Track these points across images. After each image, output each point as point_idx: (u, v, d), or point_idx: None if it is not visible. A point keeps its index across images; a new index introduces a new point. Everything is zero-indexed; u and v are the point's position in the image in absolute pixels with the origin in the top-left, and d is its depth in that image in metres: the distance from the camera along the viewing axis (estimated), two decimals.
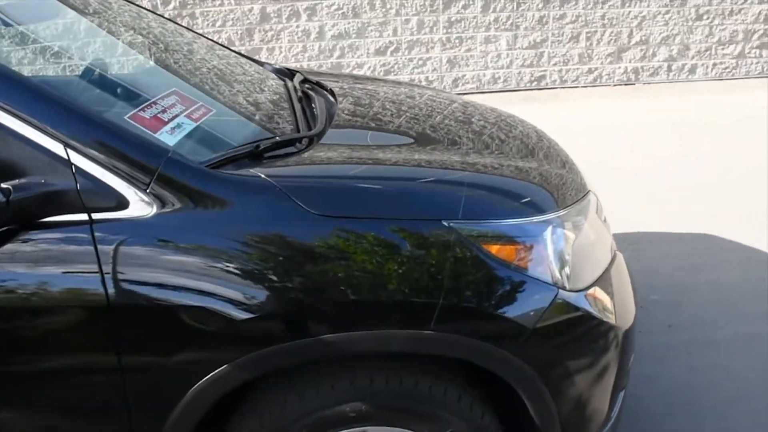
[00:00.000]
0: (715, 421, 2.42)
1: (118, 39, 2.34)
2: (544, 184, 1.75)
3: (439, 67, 6.87)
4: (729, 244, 3.79)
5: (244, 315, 1.41)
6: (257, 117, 1.97)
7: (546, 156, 1.98)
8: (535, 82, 7.03)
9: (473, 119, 2.18)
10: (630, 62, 7.09)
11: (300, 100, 2.12)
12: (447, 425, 1.55)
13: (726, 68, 7.22)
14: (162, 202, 1.41)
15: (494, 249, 1.49)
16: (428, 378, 1.54)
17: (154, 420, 1.47)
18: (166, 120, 1.61)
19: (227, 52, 2.55)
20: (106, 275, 1.38)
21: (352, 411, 1.51)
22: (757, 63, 7.24)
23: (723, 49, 7.15)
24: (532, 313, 1.50)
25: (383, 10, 6.62)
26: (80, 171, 1.38)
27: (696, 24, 7.00)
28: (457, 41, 6.82)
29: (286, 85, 2.33)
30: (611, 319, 1.65)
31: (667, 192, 4.45)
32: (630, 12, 6.92)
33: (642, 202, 4.29)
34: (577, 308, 1.56)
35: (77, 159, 1.38)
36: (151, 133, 1.52)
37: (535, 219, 1.58)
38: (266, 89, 2.23)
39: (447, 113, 2.19)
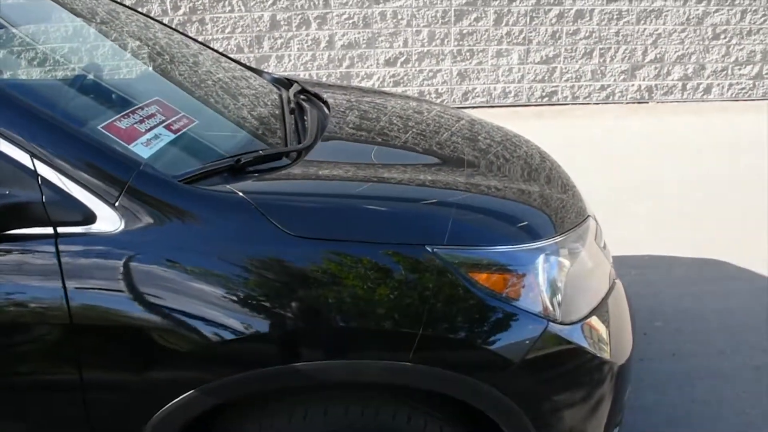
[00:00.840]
0: None
1: (120, 47, 2.29)
2: (542, 208, 1.66)
3: (450, 79, 6.80)
4: (738, 271, 3.67)
5: (212, 338, 1.34)
6: (244, 129, 1.90)
7: (547, 179, 1.90)
8: (547, 98, 6.95)
9: (479, 137, 2.10)
10: (644, 80, 6.99)
11: (292, 111, 2.05)
12: None
13: (743, 89, 7.10)
14: (131, 217, 1.34)
15: (481, 277, 1.40)
16: (406, 409, 1.46)
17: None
18: (143, 131, 1.55)
19: (231, 64, 2.48)
20: (69, 291, 1.31)
21: None
22: None
23: (740, 69, 7.03)
24: (518, 346, 1.41)
25: (394, 20, 6.57)
26: (46, 182, 1.32)
27: (713, 43, 6.89)
28: (468, 54, 6.76)
29: (281, 96, 2.26)
30: (606, 352, 1.56)
31: (675, 214, 4.34)
32: (645, 29, 6.83)
33: (649, 224, 4.18)
34: (568, 342, 1.47)
35: (43, 170, 1.32)
36: (124, 144, 1.46)
37: (528, 246, 1.49)
38: (259, 100, 2.16)
39: (453, 130, 2.11)
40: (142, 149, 1.47)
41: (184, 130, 1.67)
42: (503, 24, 6.69)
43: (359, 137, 1.98)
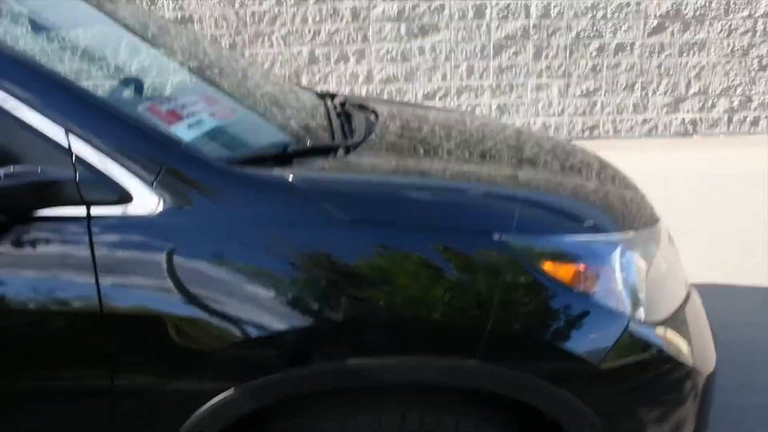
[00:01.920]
0: None
1: (168, 57, 2.23)
2: (612, 203, 1.53)
3: (489, 113, 6.72)
4: None
5: (255, 333, 1.22)
6: (290, 128, 1.81)
7: (613, 179, 1.76)
8: (588, 132, 6.81)
9: (528, 144, 1.98)
10: (687, 113, 6.81)
11: (339, 115, 1.97)
12: None
13: None
14: (169, 199, 1.24)
15: (554, 269, 1.26)
16: (471, 418, 1.30)
17: None
18: (184, 115, 1.47)
19: (278, 78, 2.42)
20: (101, 278, 1.21)
21: None
22: None
23: None
24: (597, 348, 1.26)
25: (432, 54, 6.55)
26: (80, 159, 1.23)
27: (759, 75, 6.71)
28: (507, 88, 6.68)
29: (326, 103, 2.18)
30: (689, 361, 1.39)
31: (730, 246, 4.14)
32: (688, 62, 6.69)
33: (705, 256, 3.98)
34: (650, 344, 1.31)
35: (78, 146, 1.23)
36: (164, 124, 1.37)
37: (602, 238, 1.35)
38: (305, 105, 2.08)
39: (500, 138, 2.00)
40: (184, 131, 1.39)
41: (228, 118, 1.58)
42: (542, 57, 6.62)
43: (407, 140, 1.88)
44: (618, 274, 1.32)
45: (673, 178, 5.52)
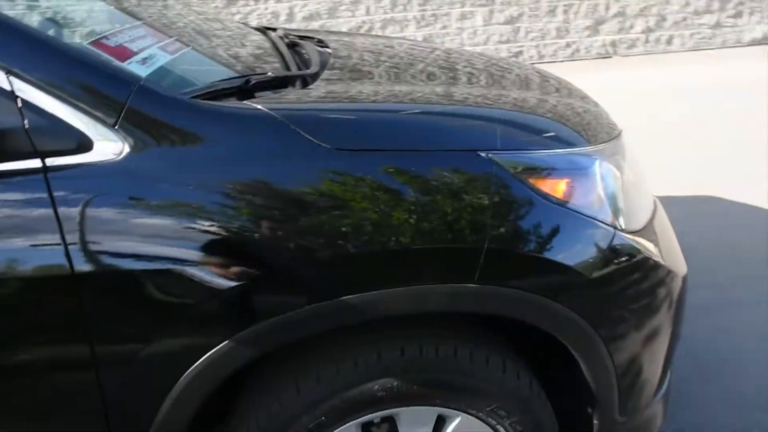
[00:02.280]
0: (750, 379, 2.25)
1: None
2: (584, 117, 1.53)
3: None
4: (732, 204, 3.66)
5: (245, 279, 1.15)
6: (241, 59, 1.71)
7: (568, 91, 1.76)
8: (513, 58, 6.84)
9: (478, 62, 1.95)
10: (608, 35, 6.94)
11: (289, 45, 1.87)
12: (492, 399, 1.31)
13: (702, 38, 7.13)
14: (135, 141, 1.13)
15: (542, 183, 1.25)
16: (467, 345, 1.30)
17: (139, 417, 1.20)
18: (135, 50, 1.34)
19: (215, 12, 2.26)
20: (67, 236, 1.10)
21: (381, 389, 1.26)
22: (732, 32, 7.16)
23: (699, 18, 7.05)
24: (590, 259, 1.27)
25: None
26: (28, 105, 1.09)
27: None
28: (432, 18, 6.60)
29: (268, 37, 2.07)
30: (666, 265, 1.43)
31: (659, 157, 4.31)
32: None
33: None
34: (637, 251, 1.34)
35: (23, 89, 1.09)
36: (117, 61, 1.25)
37: (583, 150, 1.35)
38: (248, 36, 1.97)
39: (457, 59, 1.95)
40: (138, 67, 1.27)
41: (180, 52, 1.47)
42: None
43: (365, 66, 1.80)
44: (600, 186, 1.33)
45: (596, 98, 5.67)
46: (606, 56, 7.01)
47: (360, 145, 1.20)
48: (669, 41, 7.06)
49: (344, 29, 6.45)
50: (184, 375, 1.17)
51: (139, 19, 1.63)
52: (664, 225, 1.62)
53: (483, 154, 1.23)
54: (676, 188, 3.83)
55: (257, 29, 2.29)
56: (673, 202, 3.71)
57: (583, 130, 1.46)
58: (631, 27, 6.95)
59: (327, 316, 1.18)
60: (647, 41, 7.03)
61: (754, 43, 7.17)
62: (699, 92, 5.72)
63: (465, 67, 1.82)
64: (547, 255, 1.23)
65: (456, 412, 1.33)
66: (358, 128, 1.25)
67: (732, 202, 3.69)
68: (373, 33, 6.50)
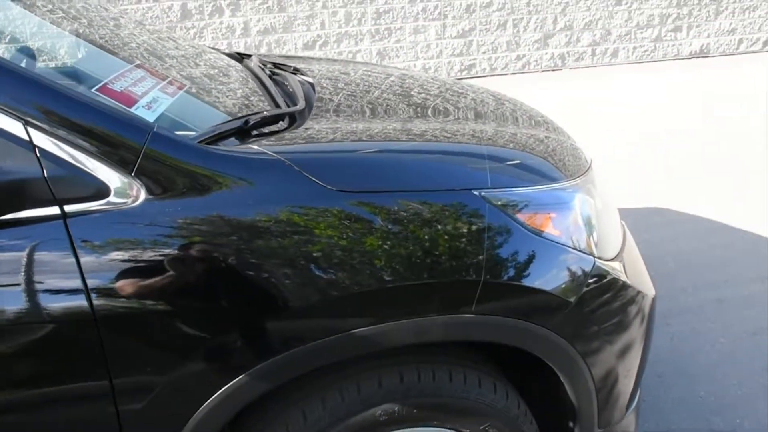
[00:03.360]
0: (707, 384, 2.41)
1: (52, 24, 2.05)
2: (560, 152, 1.64)
3: (369, 59, 6.74)
4: (679, 215, 3.86)
5: (257, 318, 1.22)
6: (233, 96, 1.76)
7: (535, 121, 1.87)
8: (466, 71, 7.03)
9: (440, 89, 2.04)
10: (556, 48, 7.20)
11: (271, 77, 1.93)
12: (485, 419, 1.41)
13: (645, 51, 7.46)
14: (152, 187, 1.18)
15: (529, 219, 1.36)
16: (461, 369, 1.40)
17: None
18: (139, 94, 1.39)
19: (160, 33, 2.29)
20: (88, 280, 1.14)
21: (383, 414, 1.34)
22: (672, 45, 7.52)
23: (641, 32, 7.38)
24: (574, 284, 1.38)
25: (309, 3, 6.43)
26: (46, 154, 1.13)
27: (616, 9, 7.19)
28: (386, 32, 6.72)
29: (245, 65, 2.12)
30: (636, 287, 1.56)
31: (607, 170, 4.51)
32: None
33: None
34: (614, 278, 1.46)
35: (41, 140, 1.13)
36: (125, 107, 1.29)
37: (563, 185, 1.46)
38: (233, 71, 2.02)
39: (428, 90, 2.05)
40: (145, 112, 1.31)
41: (179, 93, 1.51)
42: (418, 0, 6.69)
43: (350, 100, 1.88)
44: (579, 219, 1.45)
45: (547, 110, 5.89)
46: (555, 69, 7.26)
47: (363, 187, 1.28)
48: (615, 54, 7.36)
49: (300, 44, 6.50)
50: (200, 409, 1.23)
51: (146, 58, 1.67)
52: (632, 249, 1.75)
53: (476, 193, 1.33)
54: (624, 200, 4.02)
55: (230, 55, 2.34)
56: (622, 213, 3.91)
57: (562, 164, 1.58)
58: (578, 40, 7.23)
59: (337, 349, 1.26)
60: (594, 54, 7.31)
61: (693, 56, 7.55)
62: (645, 102, 6.00)
63: (423, 94, 1.92)
64: (537, 284, 1.34)
65: (452, 431, 1.42)
66: (360, 170, 1.33)
67: (677, 212, 3.91)
68: (329, 47, 6.57)
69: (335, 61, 2.53)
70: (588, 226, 1.46)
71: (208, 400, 1.22)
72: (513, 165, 1.48)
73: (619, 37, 7.31)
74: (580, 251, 1.41)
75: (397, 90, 1.95)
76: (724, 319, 2.83)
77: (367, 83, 2.01)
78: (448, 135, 1.57)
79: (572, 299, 1.38)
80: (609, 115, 5.72)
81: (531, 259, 1.34)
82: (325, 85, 1.94)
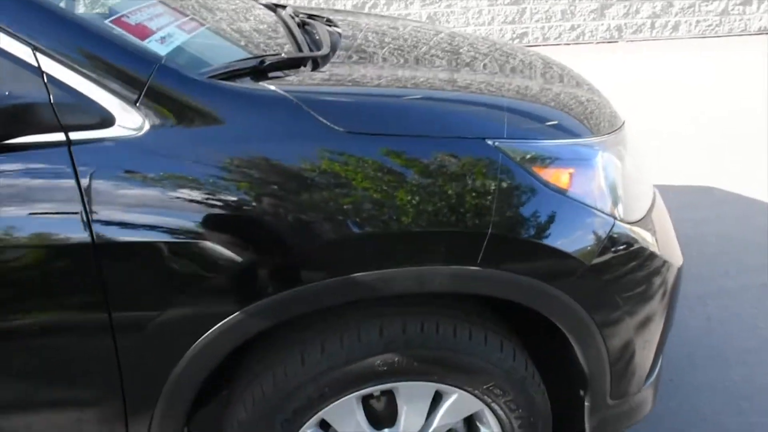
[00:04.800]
0: (741, 369, 2.31)
1: None
2: (588, 108, 1.56)
3: None
4: (729, 195, 3.69)
5: (258, 253, 1.20)
6: (255, 37, 1.73)
7: (573, 81, 1.78)
8: (517, 39, 6.83)
9: (482, 46, 1.96)
10: (613, 19, 6.92)
11: (299, 25, 1.89)
12: (489, 378, 1.37)
13: (709, 25, 7.11)
14: (156, 119, 1.17)
15: (546, 173, 1.29)
16: (466, 324, 1.35)
17: (152, 380, 1.25)
18: (154, 29, 1.37)
19: None
20: (89, 207, 1.14)
21: (382, 364, 1.31)
22: (740, 20, 7.14)
23: (706, 5, 7.03)
24: (588, 247, 1.31)
25: None
26: (54, 80, 1.13)
27: None
28: None
29: (278, 15, 2.09)
30: (662, 255, 1.48)
31: (658, 148, 4.34)
32: None
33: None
34: (634, 241, 1.38)
35: (49, 66, 1.13)
36: (137, 39, 1.28)
37: (586, 141, 1.39)
38: (259, 16, 1.98)
39: (461, 42, 1.97)
40: (157, 46, 1.30)
41: (196, 31, 1.49)
42: None
43: (375, 49, 1.83)
44: (602, 177, 1.37)
45: (602, 83, 5.69)
46: (611, 41, 7.00)
47: (371, 128, 1.24)
48: (675, 27, 7.05)
49: (349, 5, 6.42)
50: (197, 342, 1.22)
51: None
52: (662, 216, 1.66)
53: (491, 142, 1.27)
54: (673, 178, 3.87)
55: (266, 5, 2.31)
56: (668, 191, 3.76)
57: (586, 120, 1.49)
58: (637, 12, 6.93)
59: (336, 291, 1.23)
60: (653, 27, 7.01)
61: (762, 31, 7.17)
62: (704, 81, 5.73)
63: (469, 51, 1.84)
64: (547, 241, 1.27)
65: (453, 388, 1.38)
66: (370, 112, 1.28)
67: (727, 192, 3.74)
68: (378, 10, 6.48)
69: (385, 16, 2.48)
70: (611, 188, 1.38)
71: (206, 334, 1.22)
72: (532, 117, 1.41)
73: (681, 9, 6.98)
74: (600, 212, 1.33)
75: (442, 46, 1.88)
76: (766, 304, 2.71)
77: (413, 38, 1.95)
78: (471, 85, 1.51)
79: (587, 261, 1.31)
80: (665, 92, 5.49)
81: (544, 214, 1.27)
82: (355, 35, 1.89)
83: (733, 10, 7.05)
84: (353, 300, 1.26)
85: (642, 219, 1.47)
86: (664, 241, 1.53)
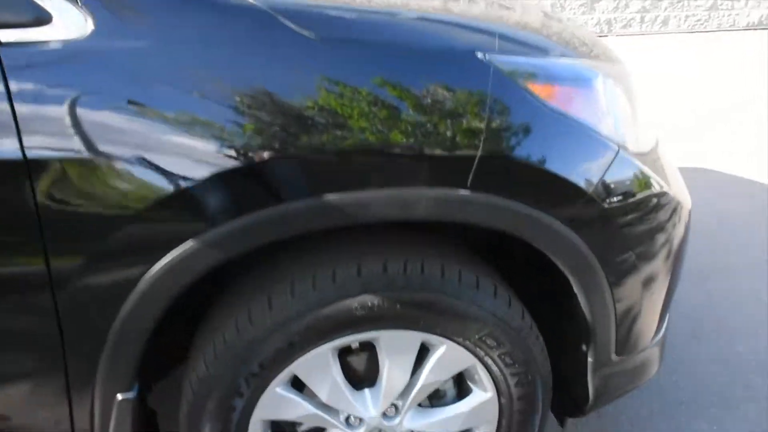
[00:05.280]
0: (746, 341, 2.17)
1: None
2: (582, 40, 1.42)
3: None
4: (731, 178, 3.61)
5: (213, 172, 1.03)
6: None
7: (575, 26, 1.65)
8: None
9: None
10: (603, 13, 6.85)
11: None
12: (481, 326, 1.21)
13: (698, 20, 7.06)
14: (100, 19, 1.01)
15: (542, 91, 1.14)
16: (455, 265, 1.20)
17: (97, 316, 1.09)
18: None
19: None
20: (20, 117, 0.98)
21: (360, 308, 1.15)
22: (728, 15, 7.09)
23: (695, 0, 6.98)
24: (590, 174, 1.17)
25: None
26: None
27: None
28: None
29: None
30: (674, 195, 1.34)
31: (662, 139, 4.26)
32: None
33: None
34: (641, 173, 1.24)
35: None
36: None
37: (586, 62, 1.25)
38: None
39: None
40: None
41: None
42: None
43: None
44: (603, 101, 1.23)
45: None
46: (601, 35, 6.92)
47: (347, 35, 1.09)
48: (665, 22, 6.99)
49: None
50: (143, 278, 1.06)
51: None
52: (666, 156, 1.52)
53: (481, 55, 1.12)
54: (677, 164, 3.78)
55: None
56: None
57: (586, 47, 1.36)
58: (627, 6, 6.87)
59: (305, 215, 1.06)
60: (643, 21, 6.95)
61: (750, 27, 7.12)
62: (698, 74, 5.66)
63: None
64: (545, 165, 1.13)
65: (441, 339, 1.22)
66: (346, 21, 1.13)
67: (723, 173, 3.65)
68: None
69: None
70: (614, 114, 1.24)
71: (153, 267, 1.06)
72: (529, 40, 1.27)
73: (671, 4, 6.92)
74: (603, 137, 1.19)
75: None
76: None
77: None
78: (465, 13, 1.36)
79: (588, 189, 1.16)
80: (661, 86, 5.42)
81: (541, 135, 1.13)
82: None
83: (721, 5, 7.00)
84: (325, 227, 1.10)
85: (648, 153, 1.33)
86: (673, 179, 1.39)
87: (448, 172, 1.09)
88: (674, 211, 1.32)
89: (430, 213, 1.10)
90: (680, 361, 2.09)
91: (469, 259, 1.25)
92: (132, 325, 1.10)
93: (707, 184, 3.50)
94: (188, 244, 1.06)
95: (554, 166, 1.14)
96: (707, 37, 6.93)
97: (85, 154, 1.01)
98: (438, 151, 1.08)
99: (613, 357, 1.35)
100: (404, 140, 1.07)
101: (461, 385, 1.38)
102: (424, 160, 1.08)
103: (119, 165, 1.02)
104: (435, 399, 1.38)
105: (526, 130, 1.12)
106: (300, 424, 1.35)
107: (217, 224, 1.06)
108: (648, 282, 1.31)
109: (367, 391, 1.29)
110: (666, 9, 6.94)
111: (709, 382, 1.99)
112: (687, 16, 7.00)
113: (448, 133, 1.08)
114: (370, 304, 1.15)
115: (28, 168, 1.00)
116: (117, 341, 1.11)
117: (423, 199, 1.09)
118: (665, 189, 1.30)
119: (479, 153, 1.09)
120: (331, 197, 1.06)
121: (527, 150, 1.12)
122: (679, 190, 1.39)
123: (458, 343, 1.23)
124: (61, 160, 1.01)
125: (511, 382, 1.29)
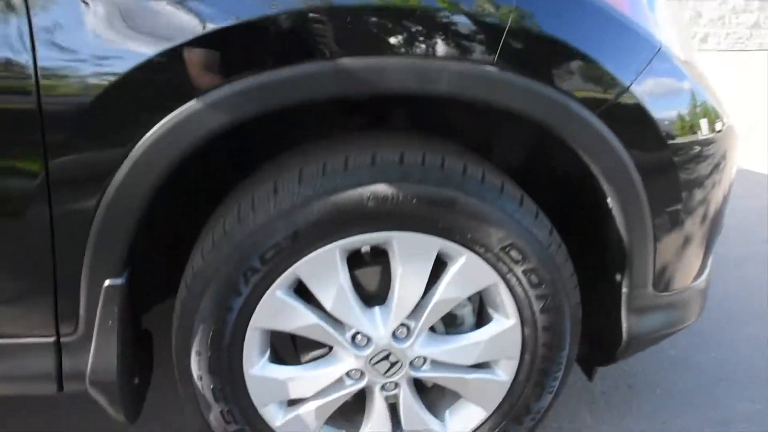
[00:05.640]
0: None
1: None
2: None
3: None
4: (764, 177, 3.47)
5: (213, 27, 0.95)
6: None
7: None
8: None
9: None
10: None
11: None
12: (505, 236, 1.09)
13: (739, 38, 6.90)
14: None
15: None
16: (479, 164, 1.09)
17: (88, 186, 1.01)
18: None
19: None
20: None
21: (371, 198, 1.04)
22: None
23: (737, 17, 6.83)
24: (628, 66, 1.06)
25: None
26: None
27: None
28: None
29: None
30: (725, 117, 1.22)
31: None
32: None
33: None
34: (686, 78, 1.13)
35: None
36: None
37: None
38: None
39: None
40: None
41: None
42: None
43: None
44: None
45: None
46: None
47: None
48: (704, 39, 6.84)
49: None
50: (144, 136, 0.98)
51: None
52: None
53: None
54: None
55: None
56: None
57: None
58: None
59: (314, 80, 0.97)
60: None
61: None
62: (729, 90, 5.50)
63: None
64: (581, 49, 1.02)
65: (460, 249, 1.11)
66: None
67: (761, 174, 3.53)
68: None
69: None
70: (653, 10, 1.14)
71: (154, 126, 0.97)
72: None
73: (710, 21, 6.78)
74: (643, 30, 1.09)
75: None
76: None
77: None
78: None
79: (626, 83, 1.05)
80: None
81: (578, 17, 1.03)
82: None
83: (765, 23, 6.85)
84: (335, 96, 1.00)
85: (689, 61, 1.21)
86: (716, 94, 1.26)
87: (472, 43, 0.99)
88: (722, 130, 1.20)
89: (453, 90, 1.00)
90: (718, 343, 1.95)
91: (493, 168, 1.15)
92: (123, 201, 1.01)
93: (745, 185, 3.38)
94: (192, 104, 0.98)
95: (590, 50, 1.03)
96: (747, 56, 6.76)
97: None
98: (463, 21, 0.99)
99: (650, 289, 1.22)
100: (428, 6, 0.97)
101: (481, 317, 1.26)
102: (446, 27, 0.99)
103: (114, 16, 0.95)
104: (451, 327, 1.26)
105: (560, 9, 1.02)
106: (304, 353, 1.24)
107: (220, 85, 0.97)
108: (694, 208, 1.19)
109: (377, 308, 1.17)
110: (705, 25, 6.80)
111: (749, 363, 1.85)
112: (728, 34, 6.85)
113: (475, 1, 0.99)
114: (382, 195, 1.04)
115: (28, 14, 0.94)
116: (106, 217, 1.02)
117: (445, 72, 0.99)
118: (710, 101, 1.18)
119: (509, 25, 0.99)
120: (346, 61, 0.97)
121: (563, 29, 1.02)
122: (723, 108, 1.27)
123: (479, 255, 1.12)
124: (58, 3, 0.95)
125: (537, 307, 1.17)
